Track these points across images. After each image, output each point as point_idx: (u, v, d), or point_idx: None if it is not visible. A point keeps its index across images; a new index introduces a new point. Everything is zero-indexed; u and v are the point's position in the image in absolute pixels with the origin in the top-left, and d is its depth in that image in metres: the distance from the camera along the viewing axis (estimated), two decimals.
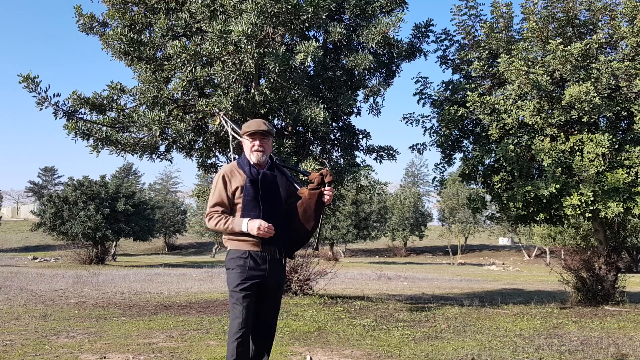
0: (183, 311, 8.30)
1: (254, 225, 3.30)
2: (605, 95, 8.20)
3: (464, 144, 10.16)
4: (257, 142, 3.49)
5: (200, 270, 20.55)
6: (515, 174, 8.71)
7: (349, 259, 42.44)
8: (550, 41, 8.36)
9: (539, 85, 8.20)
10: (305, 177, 3.59)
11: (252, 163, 3.50)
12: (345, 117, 9.49)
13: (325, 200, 3.46)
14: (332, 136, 9.41)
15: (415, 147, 10.42)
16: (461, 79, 10.03)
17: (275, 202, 3.45)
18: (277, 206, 3.46)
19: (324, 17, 7.18)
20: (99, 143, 7.89)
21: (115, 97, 8.25)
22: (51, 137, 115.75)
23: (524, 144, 8.75)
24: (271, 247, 3.42)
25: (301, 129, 8.92)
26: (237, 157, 3.79)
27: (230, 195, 3.43)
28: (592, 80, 8.18)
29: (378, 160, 9.43)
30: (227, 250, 3.49)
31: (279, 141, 8.23)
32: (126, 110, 8.28)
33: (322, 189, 3.44)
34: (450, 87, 9.99)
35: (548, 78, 8.29)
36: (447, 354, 5.29)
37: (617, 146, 8.44)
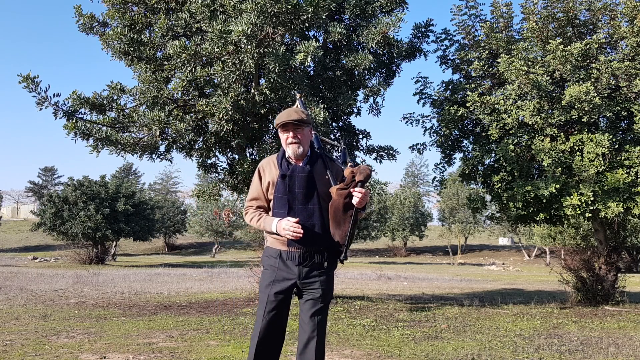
0: (183, 311, 8.30)
1: (281, 226, 3.05)
2: (605, 95, 8.20)
3: (464, 144, 10.16)
4: (290, 134, 3.17)
5: (200, 270, 20.56)
6: (515, 174, 8.70)
7: (349, 259, 42.37)
8: (550, 41, 8.36)
9: (539, 85, 8.20)
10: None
11: (287, 156, 3.22)
12: (345, 117, 9.50)
13: (355, 202, 3.06)
14: (332, 136, 9.40)
15: (415, 147, 10.42)
16: (461, 79, 10.03)
17: (308, 199, 3.13)
18: (310, 203, 3.14)
19: (324, 17, 7.17)
20: (99, 143, 7.88)
21: (115, 97, 8.25)
22: (51, 137, 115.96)
23: (524, 144, 8.75)
24: (304, 248, 3.12)
25: None
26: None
27: (264, 189, 3.23)
28: (592, 80, 8.18)
29: (378, 160, 9.44)
30: (265, 247, 3.33)
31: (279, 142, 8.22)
32: (126, 110, 8.27)
33: (352, 189, 3.07)
34: (450, 87, 9.99)
35: (548, 78, 8.29)
36: (447, 354, 5.29)
37: (617, 146, 8.44)
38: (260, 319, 3.15)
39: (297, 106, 3.43)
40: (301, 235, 3.02)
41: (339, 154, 3.39)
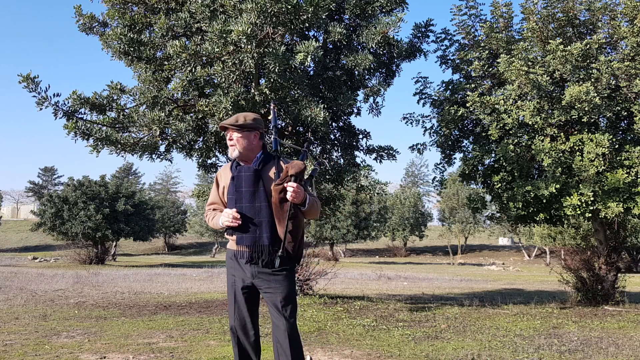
0: (183, 311, 8.30)
1: (223, 219, 3.19)
2: (605, 95, 8.20)
3: (464, 144, 10.16)
4: (227, 136, 3.33)
5: (200, 270, 20.56)
6: (515, 174, 8.70)
7: (349, 259, 42.43)
8: (550, 41, 8.36)
9: (539, 85, 8.20)
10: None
11: (233, 159, 3.36)
12: (345, 117, 9.49)
13: (288, 196, 3.06)
14: (332, 136, 9.40)
15: (415, 147, 10.42)
16: (461, 79, 10.03)
17: (254, 198, 3.20)
18: (257, 201, 3.19)
19: (324, 17, 7.17)
20: (99, 143, 7.88)
21: (115, 97, 8.24)
22: (51, 137, 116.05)
23: (524, 144, 8.75)
24: (251, 247, 3.18)
25: (301, 129, 8.92)
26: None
27: (221, 194, 3.40)
28: (592, 80, 8.18)
29: (378, 160, 9.42)
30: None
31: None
32: (126, 110, 8.27)
33: (286, 184, 3.08)
34: (450, 87, 9.99)
35: (548, 78, 8.29)
36: (447, 354, 5.29)
37: (617, 146, 8.44)
38: (231, 320, 3.31)
39: (270, 116, 3.50)
40: (239, 221, 3.12)
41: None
